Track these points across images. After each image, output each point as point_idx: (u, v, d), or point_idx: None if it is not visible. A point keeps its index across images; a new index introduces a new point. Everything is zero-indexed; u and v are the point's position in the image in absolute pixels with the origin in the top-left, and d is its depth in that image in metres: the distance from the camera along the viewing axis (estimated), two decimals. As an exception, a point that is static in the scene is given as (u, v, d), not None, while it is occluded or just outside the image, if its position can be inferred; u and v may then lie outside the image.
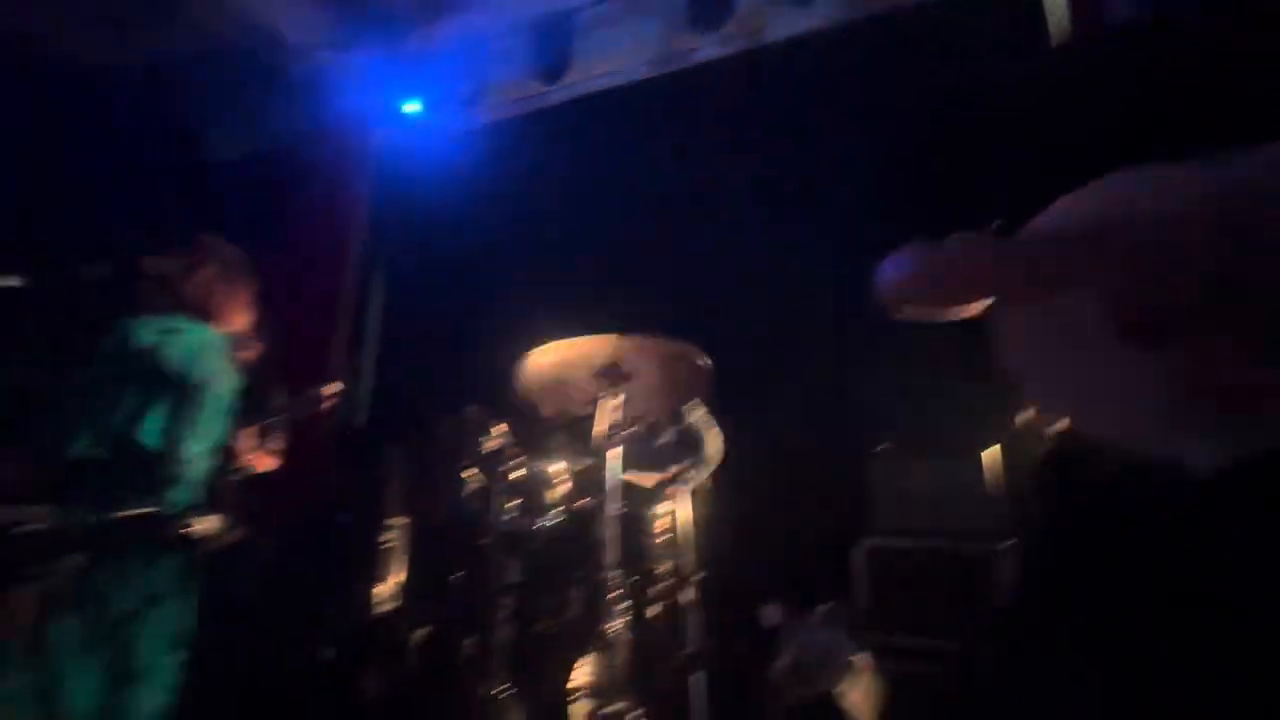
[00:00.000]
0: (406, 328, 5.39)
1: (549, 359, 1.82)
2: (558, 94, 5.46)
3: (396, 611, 4.13)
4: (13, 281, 1.40)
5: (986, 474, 3.03)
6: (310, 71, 5.86)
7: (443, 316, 5.05)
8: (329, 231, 5.22)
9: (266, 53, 5.60)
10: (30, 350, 2.64)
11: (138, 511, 1.23)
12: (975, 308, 1.06)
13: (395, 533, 4.25)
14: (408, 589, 4.22)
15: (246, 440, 2.66)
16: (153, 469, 1.49)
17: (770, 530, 3.28)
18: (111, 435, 1.44)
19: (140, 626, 1.43)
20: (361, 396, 5.24)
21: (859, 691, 2.15)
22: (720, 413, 2.90)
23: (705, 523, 2.38)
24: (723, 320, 3.44)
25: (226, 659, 2.79)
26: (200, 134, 6.58)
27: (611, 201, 4.79)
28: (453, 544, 4.13)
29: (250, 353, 3.06)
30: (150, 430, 1.50)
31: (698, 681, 2.04)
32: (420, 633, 3.93)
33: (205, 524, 1.06)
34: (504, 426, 2.27)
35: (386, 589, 4.14)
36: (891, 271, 1.05)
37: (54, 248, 1.61)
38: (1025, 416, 2.09)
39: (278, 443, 2.73)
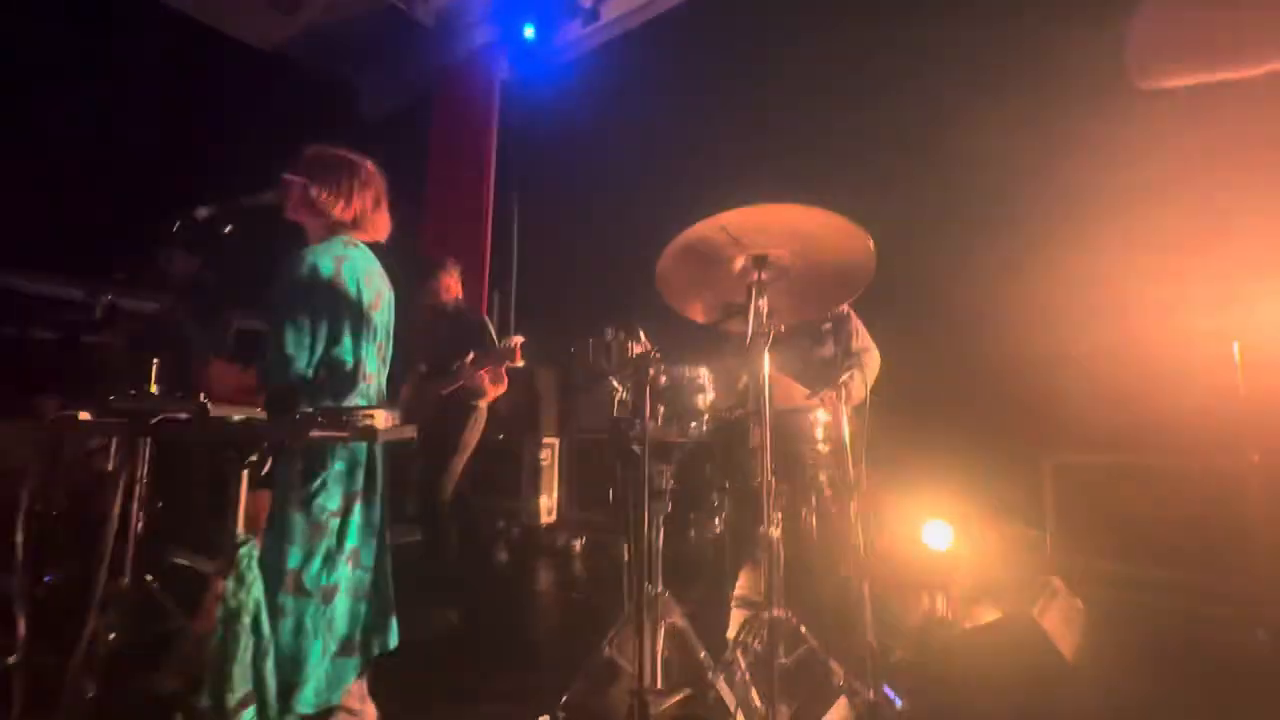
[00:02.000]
0: (543, 253, 5.54)
1: (691, 247, 1.69)
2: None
3: (557, 521, 4.47)
4: (203, 212, 1.55)
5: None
6: (440, 13, 6.00)
7: (576, 239, 5.10)
8: (469, 166, 5.42)
9: (404, 3, 5.78)
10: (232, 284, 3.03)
11: (329, 408, 1.36)
12: None
13: (550, 450, 4.55)
14: (566, 500, 4.54)
15: (478, 370, 3.02)
16: (345, 383, 1.66)
17: (937, 441, 2.98)
18: (315, 356, 1.61)
19: (347, 520, 1.63)
20: (510, 321, 5.52)
21: (1056, 615, 1.91)
22: (881, 315, 2.63)
23: (866, 433, 2.19)
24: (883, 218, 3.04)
25: (422, 551, 3.17)
26: (355, 89, 7.09)
27: (733, 104, 4.42)
28: (606, 457, 4.33)
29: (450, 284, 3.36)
30: (344, 349, 1.65)
31: (861, 594, 1.93)
32: (579, 540, 4.23)
33: (381, 418, 1.12)
34: (646, 340, 2.22)
35: (547, 501, 4.48)
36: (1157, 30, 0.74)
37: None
38: None
39: (501, 371, 3.10)
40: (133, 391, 1.26)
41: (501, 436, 4.53)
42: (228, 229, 1.71)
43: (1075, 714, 1.80)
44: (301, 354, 1.59)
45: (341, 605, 1.61)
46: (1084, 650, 2.03)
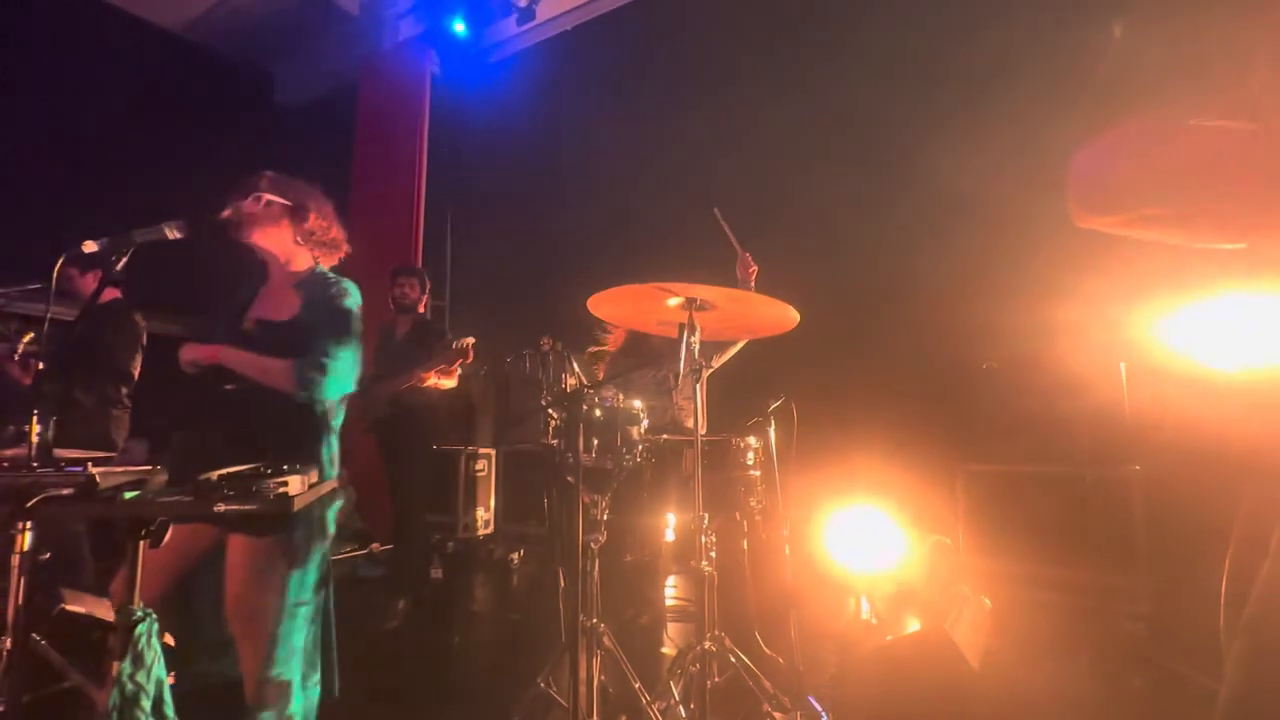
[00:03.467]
0: (478, 257, 5.40)
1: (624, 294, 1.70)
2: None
3: (493, 535, 4.40)
4: (91, 245, 1.39)
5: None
6: (366, 1, 5.71)
7: (513, 244, 4.99)
8: (399, 163, 5.20)
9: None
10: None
11: (236, 473, 1.26)
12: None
13: (487, 462, 4.45)
14: (502, 514, 4.46)
15: (431, 369, 3.10)
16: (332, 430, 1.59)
17: (861, 450, 3.12)
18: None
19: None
20: (445, 327, 5.36)
21: (966, 623, 2.04)
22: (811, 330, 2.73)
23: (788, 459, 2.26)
24: (805, 236, 3.14)
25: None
26: (271, 77, 6.64)
27: (672, 109, 4.43)
28: (541, 473, 4.28)
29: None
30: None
31: (792, 619, 2.00)
32: (517, 553, 4.17)
33: (295, 482, 1.05)
34: (579, 371, 2.22)
35: (483, 514, 4.39)
36: (1095, 165, 0.76)
37: (145, 199, 1.59)
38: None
39: (451, 366, 3.18)
40: (4, 464, 1.14)
41: (436, 447, 4.40)
42: (130, 251, 1.56)
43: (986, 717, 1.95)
44: (348, 379, 1.56)
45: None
46: (990, 649, 2.19)
